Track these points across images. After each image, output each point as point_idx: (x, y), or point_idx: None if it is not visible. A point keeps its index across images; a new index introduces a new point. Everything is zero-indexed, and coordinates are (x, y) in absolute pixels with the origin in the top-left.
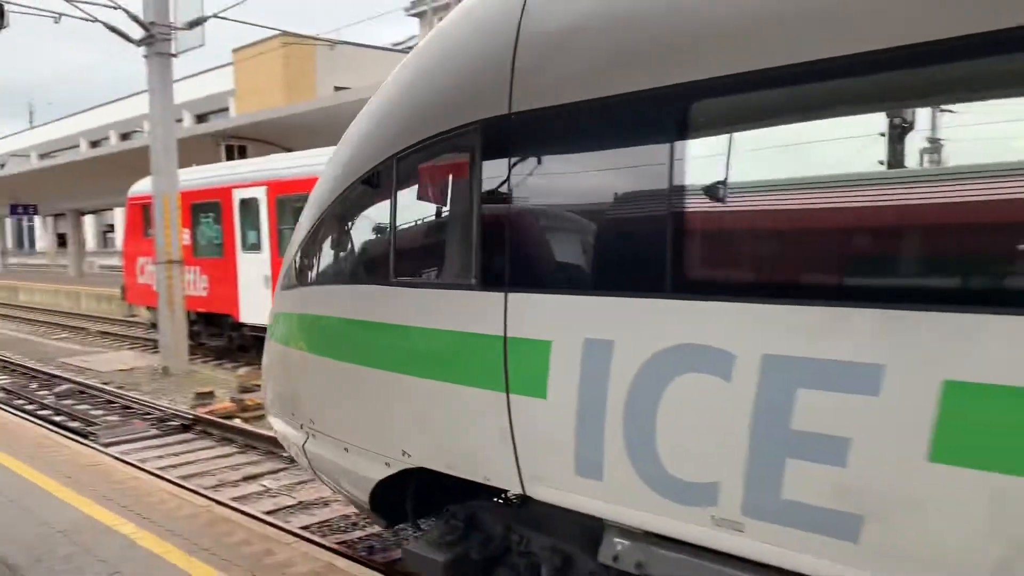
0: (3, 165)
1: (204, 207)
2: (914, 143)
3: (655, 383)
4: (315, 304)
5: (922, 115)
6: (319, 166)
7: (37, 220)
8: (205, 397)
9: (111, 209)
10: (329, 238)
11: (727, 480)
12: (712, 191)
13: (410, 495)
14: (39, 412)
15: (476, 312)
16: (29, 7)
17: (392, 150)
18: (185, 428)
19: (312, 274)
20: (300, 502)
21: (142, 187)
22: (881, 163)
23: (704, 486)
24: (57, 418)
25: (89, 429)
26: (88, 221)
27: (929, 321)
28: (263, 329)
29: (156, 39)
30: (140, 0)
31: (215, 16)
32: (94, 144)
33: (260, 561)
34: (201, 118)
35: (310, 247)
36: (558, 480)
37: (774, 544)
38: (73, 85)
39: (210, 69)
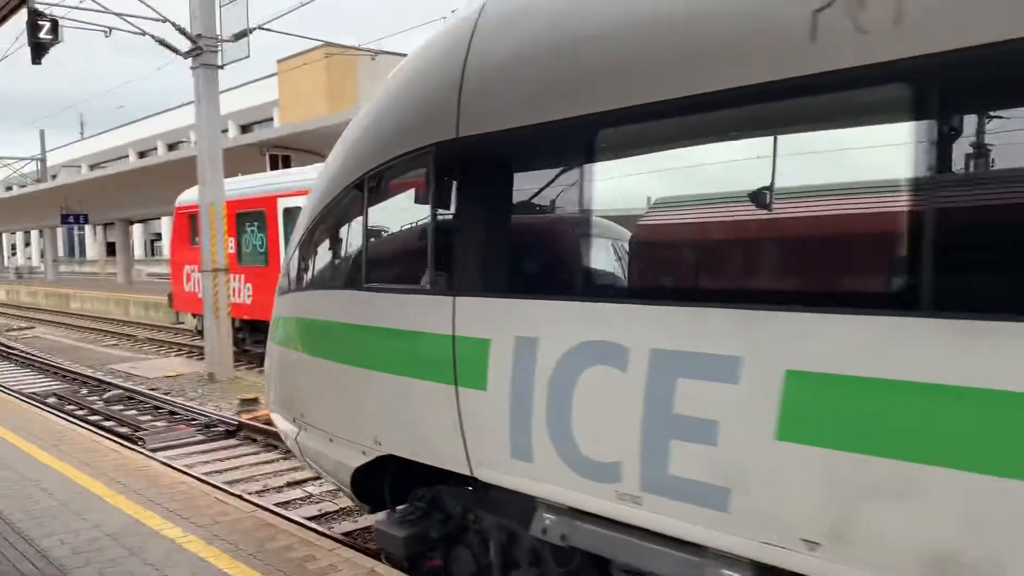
0: (55, 176)
1: (249, 216)
2: (761, 169)
3: (569, 374)
4: (303, 307)
5: (769, 143)
6: None
7: (87, 229)
8: (249, 403)
9: (158, 218)
10: (315, 247)
11: (627, 459)
12: (612, 208)
13: (387, 482)
14: (89, 417)
15: (431, 314)
16: (82, 22)
17: (366, 167)
18: (230, 434)
19: (301, 280)
20: (342, 508)
21: (189, 196)
22: (737, 185)
23: (609, 465)
24: (106, 423)
25: (137, 434)
26: (136, 230)
27: (773, 319)
28: None
29: (203, 51)
30: (187, 13)
31: (260, 28)
32: (142, 155)
33: (303, 566)
34: (246, 128)
35: (300, 255)
36: (498, 463)
37: (665, 515)
38: (123, 98)
39: (255, 80)
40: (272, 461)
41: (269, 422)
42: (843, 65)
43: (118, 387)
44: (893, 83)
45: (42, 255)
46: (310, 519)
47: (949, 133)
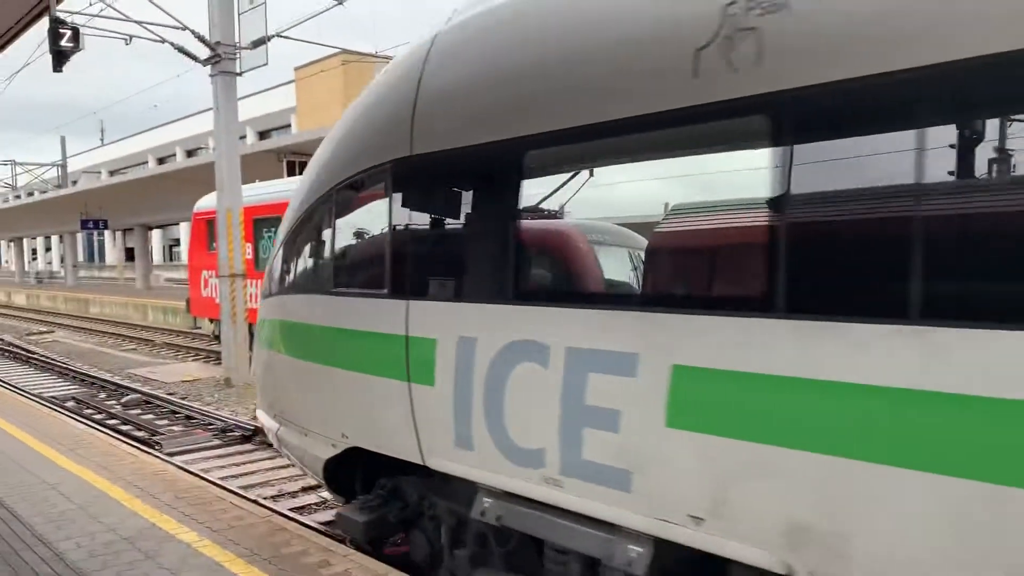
0: (75, 181)
1: (266, 222)
2: (654, 188)
3: (502, 370)
4: (282, 310)
5: (664, 165)
6: None
7: (107, 234)
8: None
9: (177, 224)
10: (292, 254)
11: (549, 446)
12: (533, 221)
13: (358, 473)
14: (107, 421)
15: (388, 316)
16: (102, 30)
17: (335, 181)
18: (246, 439)
19: (280, 284)
20: None
21: (207, 202)
22: (634, 201)
23: (536, 451)
24: (124, 428)
25: (154, 439)
26: (155, 235)
27: (663, 320)
28: None
29: (222, 58)
30: (206, 21)
31: (278, 36)
32: (161, 161)
33: (317, 572)
34: (264, 135)
35: (279, 261)
36: (444, 452)
37: (581, 496)
38: (141, 105)
39: (273, 87)
40: (287, 466)
41: None
42: (719, 98)
43: (136, 391)
44: (756, 114)
45: (62, 260)
46: (325, 524)
47: (801, 157)
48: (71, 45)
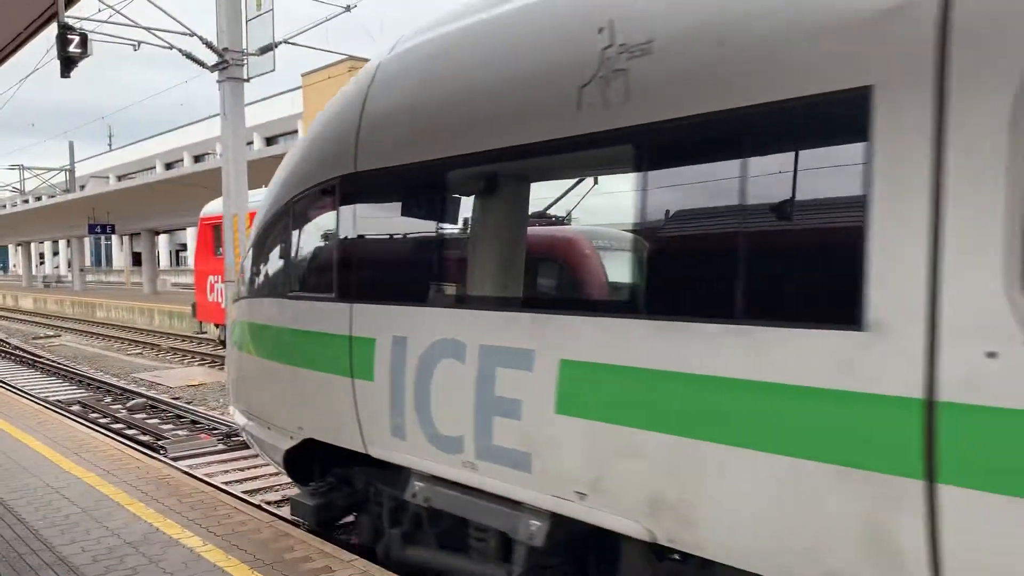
0: (83, 186)
1: None
2: (547, 205)
3: (428, 365)
4: (249, 313)
5: (556, 185)
6: None
7: (114, 239)
8: None
9: (184, 229)
10: (258, 260)
11: (467, 433)
12: (456, 232)
13: (317, 462)
14: (112, 425)
15: (335, 318)
16: (111, 35)
17: (292, 193)
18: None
19: (248, 289)
20: None
21: (213, 208)
22: (531, 217)
23: (456, 438)
24: (129, 432)
25: (159, 443)
26: (162, 240)
27: (553, 320)
28: None
29: (229, 64)
30: (214, 27)
31: (285, 42)
32: (169, 166)
33: None
34: (271, 141)
35: (248, 267)
36: (383, 441)
37: (493, 477)
38: (149, 110)
39: (280, 93)
40: None
41: None
42: (596, 129)
43: (141, 396)
44: (624, 143)
45: (69, 264)
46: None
47: (663, 179)
48: (79, 51)
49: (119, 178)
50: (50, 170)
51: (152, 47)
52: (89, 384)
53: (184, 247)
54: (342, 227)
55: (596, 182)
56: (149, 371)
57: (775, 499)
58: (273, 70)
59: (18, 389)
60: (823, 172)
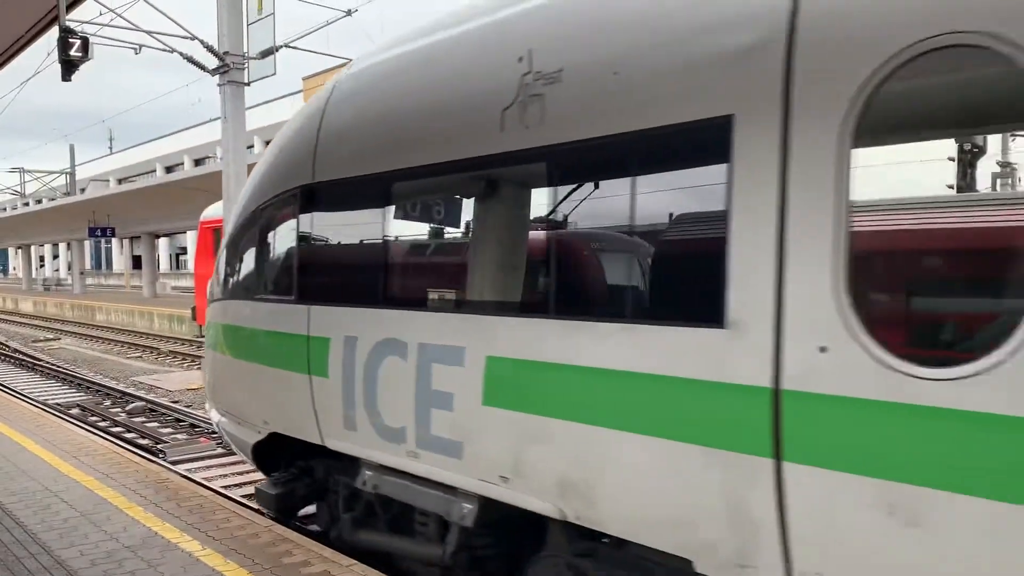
0: (84, 189)
1: None
2: (474, 215)
3: (375, 363)
4: (221, 315)
5: (483, 197)
6: None
7: (114, 242)
8: None
9: (184, 232)
10: (229, 264)
11: (409, 424)
12: (399, 240)
13: (285, 455)
14: (111, 429)
15: (294, 319)
16: (112, 39)
17: (258, 202)
18: None
19: (221, 291)
20: None
21: (213, 211)
22: (464, 226)
23: (400, 430)
24: (128, 435)
25: (158, 447)
26: (162, 244)
27: (479, 321)
28: None
29: (230, 68)
30: (215, 31)
31: (286, 46)
32: (169, 169)
33: None
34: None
35: (221, 270)
36: (337, 434)
37: (431, 465)
38: (150, 113)
39: (281, 97)
40: None
41: None
42: (516, 147)
43: (140, 399)
44: (539, 161)
45: (69, 267)
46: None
47: (569, 194)
48: (80, 55)
49: (119, 181)
50: (51, 173)
51: (153, 50)
52: (88, 387)
53: (184, 250)
54: (300, 233)
55: (516, 195)
56: (148, 374)
57: (657, 478)
58: (274, 74)
59: (17, 392)
60: (696, 190)
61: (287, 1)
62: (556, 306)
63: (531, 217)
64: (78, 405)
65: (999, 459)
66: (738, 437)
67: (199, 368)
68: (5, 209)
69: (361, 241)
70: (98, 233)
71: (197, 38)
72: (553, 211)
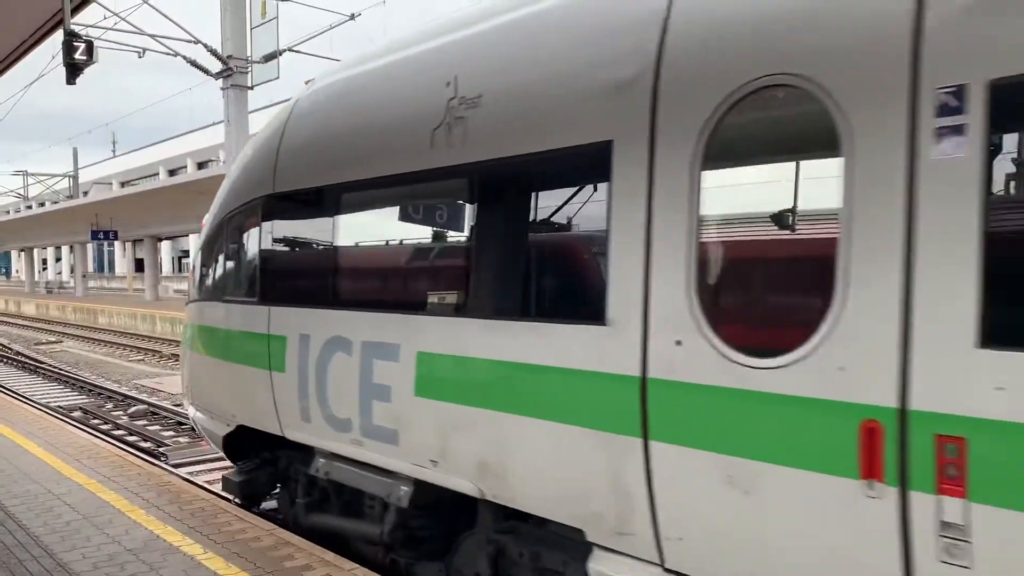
0: (87, 192)
1: None
2: (413, 223)
3: (325, 359)
4: (195, 315)
5: (416, 207)
6: None
7: (116, 245)
8: None
9: (187, 235)
10: (202, 267)
11: (354, 415)
12: (345, 246)
13: (254, 446)
14: (113, 432)
15: (256, 319)
16: (116, 43)
17: (227, 210)
18: None
19: (196, 293)
20: None
21: None
22: (397, 235)
23: (346, 420)
24: (130, 438)
25: (160, 450)
26: (165, 247)
27: (412, 320)
28: None
29: (233, 72)
30: (219, 35)
31: (289, 50)
32: (172, 172)
33: None
34: None
35: (196, 273)
36: (294, 425)
37: (375, 452)
38: (153, 116)
39: (284, 100)
40: None
41: None
42: (443, 164)
43: (143, 402)
44: (462, 176)
45: (72, 270)
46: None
47: (487, 207)
48: (85, 58)
49: (122, 184)
50: (54, 176)
51: (156, 54)
52: (91, 390)
53: (187, 253)
54: (263, 240)
55: (443, 206)
56: (151, 377)
57: (555, 458)
58: (277, 77)
59: (20, 395)
60: (587, 206)
61: (291, 5)
62: (475, 307)
63: (455, 227)
64: (80, 408)
65: (809, 435)
66: (616, 420)
67: None
68: (8, 212)
69: (314, 247)
70: (101, 236)
71: (201, 42)
72: (474, 222)
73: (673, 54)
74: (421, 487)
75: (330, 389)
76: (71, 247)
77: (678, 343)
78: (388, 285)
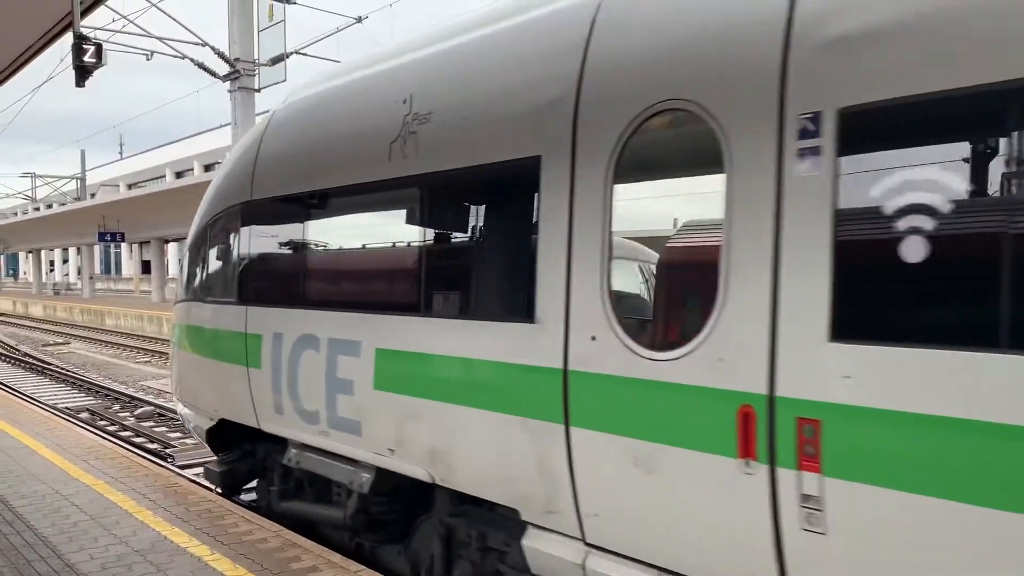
0: (94, 194)
1: None
2: (370, 230)
3: (296, 355)
4: (182, 315)
5: (375, 216)
6: None
7: (123, 247)
8: None
9: None
10: (188, 270)
11: (321, 408)
12: (314, 250)
13: (239, 439)
14: (120, 433)
15: (234, 318)
16: (124, 45)
17: (210, 215)
18: None
19: (183, 293)
20: None
21: None
22: (356, 240)
23: (315, 412)
24: (137, 440)
25: (167, 451)
26: (171, 248)
27: (372, 319)
28: None
29: (241, 75)
30: (226, 38)
31: (296, 53)
32: (179, 175)
33: None
34: None
35: (183, 275)
36: (269, 418)
37: (340, 442)
38: (160, 119)
39: None
40: None
41: None
42: (399, 175)
43: (149, 404)
44: (414, 186)
45: (79, 272)
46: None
47: (435, 216)
48: (94, 61)
49: (129, 186)
50: (61, 178)
51: (164, 56)
52: (98, 392)
53: None
54: (241, 244)
55: (399, 213)
56: (157, 379)
57: (493, 444)
58: (284, 80)
59: (28, 396)
60: (520, 215)
61: (297, 8)
62: (425, 307)
63: (408, 234)
64: (87, 409)
65: (698, 420)
66: (543, 408)
67: None
68: (16, 214)
69: (286, 250)
70: (108, 238)
71: (208, 44)
72: (423, 229)
73: (591, 79)
74: (381, 474)
75: (300, 384)
76: (78, 249)
77: (593, 339)
78: (351, 286)
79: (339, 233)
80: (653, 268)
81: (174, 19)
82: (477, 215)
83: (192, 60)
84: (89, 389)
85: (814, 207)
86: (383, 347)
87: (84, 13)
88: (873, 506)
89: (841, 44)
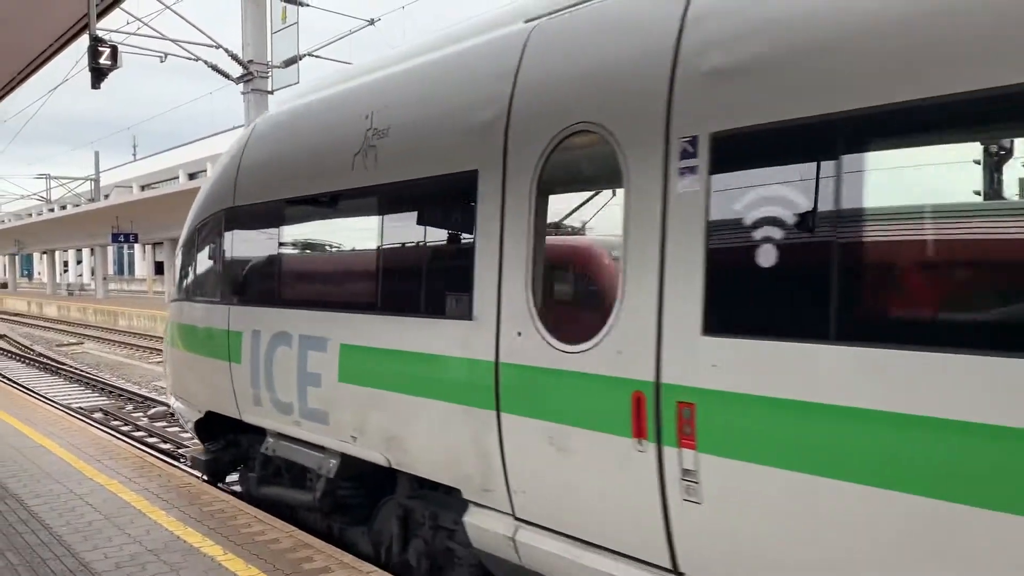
0: (107, 195)
1: None
2: (337, 236)
3: (272, 351)
4: (174, 314)
5: (341, 222)
6: None
7: (137, 248)
8: None
9: None
10: (180, 270)
11: (294, 400)
12: (287, 253)
13: (227, 430)
14: (133, 433)
15: (220, 316)
16: (139, 47)
17: (199, 219)
18: None
19: (175, 293)
20: None
21: None
22: (325, 243)
23: (288, 403)
24: (150, 440)
25: (179, 451)
26: None
27: (338, 317)
28: None
29: (254, 77)
30: (240, 40)
31: (309, 55)
32: (192, 176)
33: None
34: None
35: (175, 275)
36: (249, 409)
37: (310, 431)
38: (174, 121)
39: None
40: None
41: None
42: (361, 184)
43: (162, 404)
44: (374, 195)
45: (93, 273)
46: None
47: (391, 222)
48: (109, 63)
49: (143, 188)
50: (75, 179)
51: (177, 59)
52: (111, 392)
53: None
54: (224, 246)
55: (361, 220)
56: None
57: (438, 430)
58: (297, 82)
59: (42, 395)
60: (462, 223)
61: (310, 11)
62: (383, 305)
63: (369, 238)
64: (101, 409)
65: (600, 404)
66: (479, 396)
67: None
68: (31, 215)
69: (263, 252)
70: (121, 239)
71: (222, 47)
72: (381, 234)
73: (520, 101)
74: (346, 460)
75: (276, 377)
76: (92, 249)
77: (519, 333)
78: (319, 287)
79: (309, 238)
80: (571, 272)
81: (188, 21)
82: (426, 222)
83: (206, 62)
84: (103, 389)
85: (691, 219)
86: (347, 343)
87: (100, 15)
88: (738, 478)
89: (713, 76)
